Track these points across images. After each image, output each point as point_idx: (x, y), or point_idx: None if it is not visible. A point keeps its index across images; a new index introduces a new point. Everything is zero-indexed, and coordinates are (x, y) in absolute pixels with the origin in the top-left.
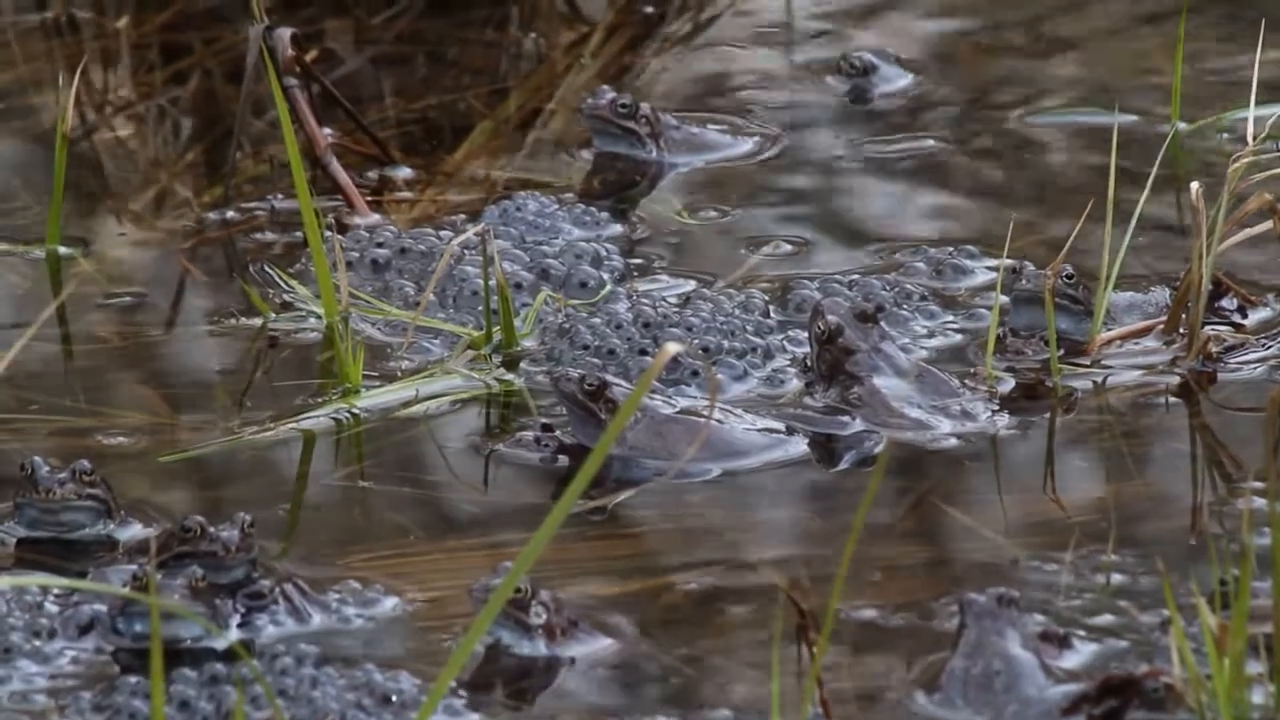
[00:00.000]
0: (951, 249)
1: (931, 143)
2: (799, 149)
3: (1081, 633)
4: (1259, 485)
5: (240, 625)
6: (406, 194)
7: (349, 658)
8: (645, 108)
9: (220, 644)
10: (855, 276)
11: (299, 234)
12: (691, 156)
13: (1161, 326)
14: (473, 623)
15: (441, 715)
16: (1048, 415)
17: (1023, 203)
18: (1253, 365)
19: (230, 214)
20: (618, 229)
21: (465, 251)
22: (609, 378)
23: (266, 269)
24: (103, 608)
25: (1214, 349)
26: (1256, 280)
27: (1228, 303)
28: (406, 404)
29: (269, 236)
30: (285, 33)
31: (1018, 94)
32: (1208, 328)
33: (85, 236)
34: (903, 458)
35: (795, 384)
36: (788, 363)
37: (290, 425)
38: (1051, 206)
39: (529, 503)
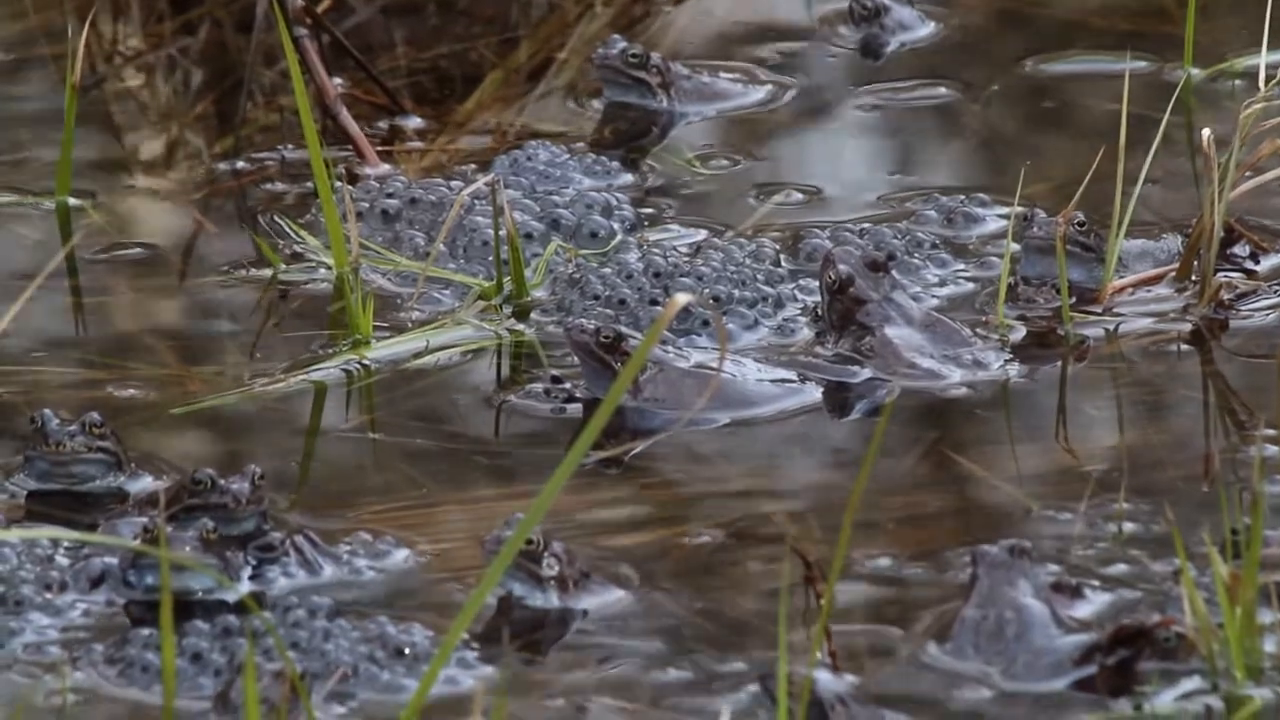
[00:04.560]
0: (963, 197)
1: (943, 90)
2: (811, 97)
3: (1094, 582)
4: (1271, 433)
5: (251, 578)
6: (417, 144)
7: (361, 610)
8: (656, 57)
9: (231, 596)
10: (866, 225)
11: (309, 184)
12: (702, 106)
13: (1173, 274)
14: (484, 574)
15: (453, 667)
16: (1059, 364)
17: (1034, 150)
18: (1265, 312)
19: (240, 164)
20: (628, 178)
21: (475, 201)
22: (624, 329)
23: (277, 220)
24: (114, 560)
25: (1226, 296)
26: (1268, 226)
27: (1240, 249)
28: (417, 355)
29: (279, 187)
30: None
31: (1030, 39)
32: (1220, 274)
33: (95, 188)
34: (914, 407)
35: (806, 333)
36: (799, 312)
37: (301, 377)
38: (1063, 154)
39: (540, 453)
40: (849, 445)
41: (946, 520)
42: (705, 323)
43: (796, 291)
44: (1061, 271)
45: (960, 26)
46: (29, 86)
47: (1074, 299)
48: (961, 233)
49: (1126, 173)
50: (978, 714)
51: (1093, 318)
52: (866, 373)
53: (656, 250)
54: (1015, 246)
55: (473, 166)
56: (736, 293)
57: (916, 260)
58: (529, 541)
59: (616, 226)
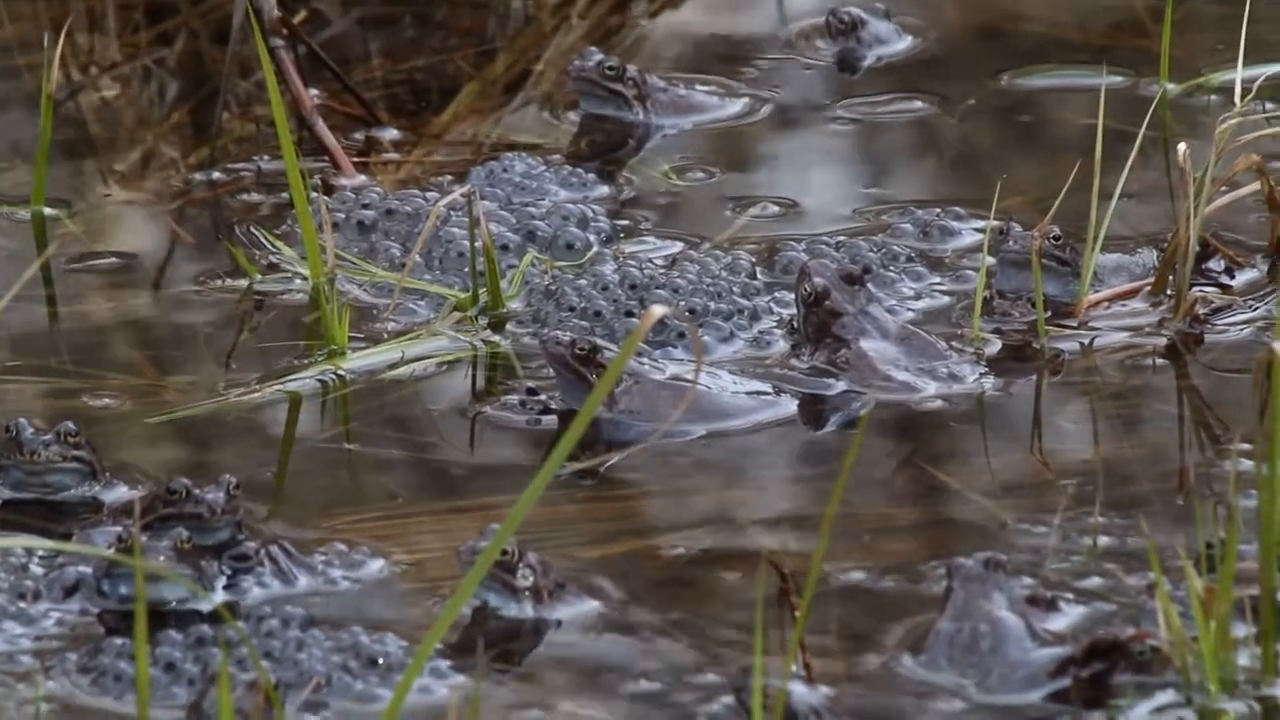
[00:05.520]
0: (938, 210)
1: (919, 104)
2: (787, 110)
3: (1069, 595)
4: (1246, 447)
5: (226, 587)
6: (393, 155)
7: (335, 620)
8: (632, 70)
9: (206, 606)
10: (842, 238)
11: (285, 195)
12: (679, 118)
13: (1149, 288)
14: (459, 585)
15: (427, 677)
16: (1034, 377)
17: (1010, 164)
18: (1239, 327)
19: (216, 175)
20: (604, 190)
21: (451, 213)
22: (599, 342)
23: (252, 230)
24: (88, 569)
25: (1201, 310)
26: (1243, 241)
27: (1215, 264)
28: (392, 366)
29: (255, 197)
30: None
31: (1006, 54)
32: (1195, 289)
33: (71, 198)
34: (890, 420)
35: (782, 346)
36: (774, 324)
37: (276, 387)
38: (1039, 168)
39: (516, 465)
40: (824, 458)
41: (921, 533)
42: (681, 335)
43: (772, 304)
44: (1037, 285)
45: (937, 41)
46: (4, 97)
47: (1049, 313)
48: (937, 246)
49: (1102, 187)
50: None
51: (1068, 331)
52: (842, 385)
53: (632, 262)
54: (991, 260)
55: (449, 178)
56: (712, 305)
57: (892, 273)
58: (504, 552)
59: (592, 238)
